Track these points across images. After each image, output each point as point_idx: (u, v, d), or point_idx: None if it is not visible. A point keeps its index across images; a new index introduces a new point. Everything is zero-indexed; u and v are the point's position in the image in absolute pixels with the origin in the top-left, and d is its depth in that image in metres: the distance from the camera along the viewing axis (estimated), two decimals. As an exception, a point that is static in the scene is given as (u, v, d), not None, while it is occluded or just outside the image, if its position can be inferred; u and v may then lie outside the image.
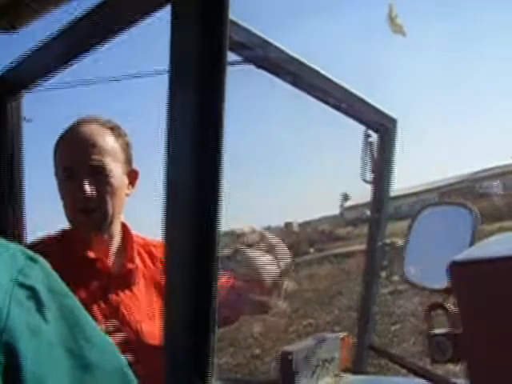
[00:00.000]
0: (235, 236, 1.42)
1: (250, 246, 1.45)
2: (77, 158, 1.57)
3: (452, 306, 0.86)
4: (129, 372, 0.61)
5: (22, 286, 0.57)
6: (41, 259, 0.62)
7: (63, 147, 1.61)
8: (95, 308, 1.50)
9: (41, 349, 0.54)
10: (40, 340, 0.54)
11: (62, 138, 1.63)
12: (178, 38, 1.15)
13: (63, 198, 1.61)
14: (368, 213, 2.00)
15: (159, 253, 1.71)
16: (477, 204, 1.16)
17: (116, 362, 0.61)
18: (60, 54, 1.48)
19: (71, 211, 1.59)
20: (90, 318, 0.64)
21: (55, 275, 0.63)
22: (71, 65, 1.50)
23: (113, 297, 1.55)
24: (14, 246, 0.62)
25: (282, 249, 1.50)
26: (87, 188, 1.54)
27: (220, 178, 1.16)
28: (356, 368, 1.74)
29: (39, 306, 0.57)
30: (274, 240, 1.49)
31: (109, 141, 1.61)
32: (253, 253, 1.45)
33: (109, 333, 1.35)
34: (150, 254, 1.73)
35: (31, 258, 0.61)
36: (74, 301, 0.62)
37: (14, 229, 1.79)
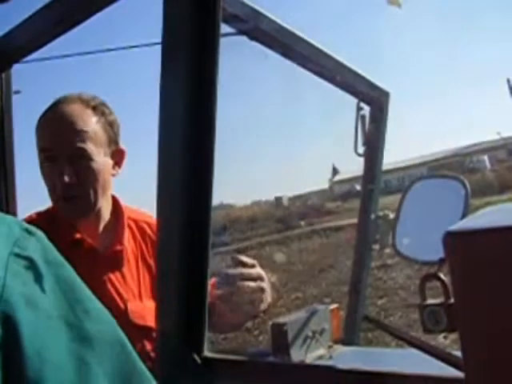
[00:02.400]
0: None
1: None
2: (56, 141, 1.54)
3: (446, 277, 0.86)
4: (127, 343, 0.61)
5: (18, 257, 0.57)
6: (38, 231, 0.62)
7: (43, 127, 1.58)
8: None
9: (39, 320, 0.54)
10: (38, 311, 0.54)
11: (43, 116, 1.59)
12: (172, 9, 1.14)
13: (44, 180, 1.59)
14: (357, 187, 2.01)
15: (152, 231, 1.69)
16: (465, 179, 1.16)
17: (114, 333, 0.61)
18: (50, 24, 1.47)
19: (53, 196, 1.57)
20: (88, 290, 0.63)
21: (52, 247, 0.62)
22: (61, 35, 1.49)
23: (100, 276, 1.55)
24: (10, 219, 0.62)
25: (268, 295, 1.43)
26: (66, 176, 1.50)
27: (213, 151, 1.16)
28: (348, 339, 1.76)
29: (36, 277, 0.57)
30: (266, 284, 1.43)
31: (90, 123, 1.56)
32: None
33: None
34: (143, 232, 1.71)
35: (28, 230, 0.61)
36: (71, 272, 0.62)
37: (5, 205, 1.78)
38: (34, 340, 0.52)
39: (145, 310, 1.51)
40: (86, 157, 1.53)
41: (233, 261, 1.38)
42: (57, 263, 0.61)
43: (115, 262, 1.60)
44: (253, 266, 1.41)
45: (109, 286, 1.55)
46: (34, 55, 1.62)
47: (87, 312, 0.59)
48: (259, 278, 1.41)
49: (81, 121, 1.54)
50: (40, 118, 1.59)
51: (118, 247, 1.62)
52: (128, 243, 1.65)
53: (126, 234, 1.66)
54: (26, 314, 0.53)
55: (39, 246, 0.60)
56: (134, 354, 0.61)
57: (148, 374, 0.62)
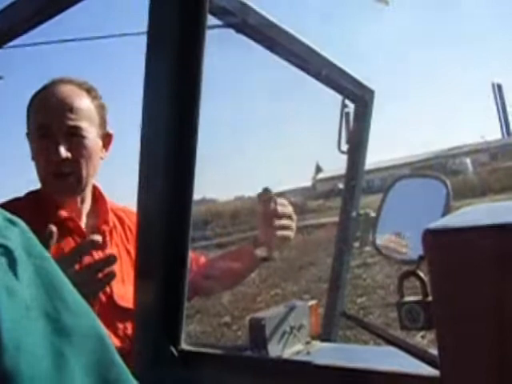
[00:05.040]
0: None
1: None
2: (53, 117, 1.55)
3: (424, 275, 0.87)
4: (106, 337, 0.60)
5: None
6: (21, 222, 0.62)
7: (38, 105, 1.59)
8: None
9: (17, 311, 0.53)
10: (17, 301, 0.54)
11: (37, 95, 1.61)
12: (158, -1, 1.14)
13: (35, 158, 1.60)
14: (340, 185, 2.02)
15: (128, 219, 1.73)
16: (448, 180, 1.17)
17: (93, 327, 0.60)
18: (33, 10, 1.45)
19: (44, 174, 1.58)
20: (69, 283, 0.63)
21: (35, 239, 0.62)
22: (45, 22, 1.48)
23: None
24: None
25: None
26: (62, 151, 1.52)
27: (195, 145, 1.16)
28: (327, 336, 1.76)
29: (16, 268, 0.56)
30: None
31: (85, 102, 1.60)
32: None
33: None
34: (121, 220, 1.73)
35: (10, 221, 0.60)
36: (52, 264, 0.61)
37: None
38: (12, 330, 0.52)
39: (128, 293, 1.51)
40: (80, 134, 1.56)
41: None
42: (38, 255, 0.60)
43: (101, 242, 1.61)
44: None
45: None
46: (17, 41, 1.60)
47: (67, 305, 0.58)
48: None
49: (77, 99, 1.58)
50: (34, 98, 1.61)
51: (104, 227, 1.65)
52: (111, 227, 1.68)
53: (110, 217, 1.69)
54: (6, 304, 0.52)
55: (21, 236, 0.59)
56: (112, 348, 0.61)
57: (125, 368, 0.61)
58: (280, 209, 1.56)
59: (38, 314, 0.55)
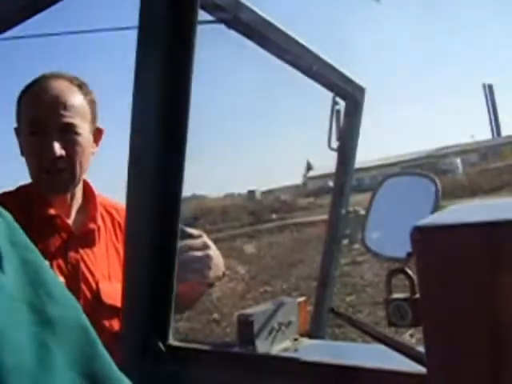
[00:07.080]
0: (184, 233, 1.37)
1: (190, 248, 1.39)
2: (46, 113, 1.54)
3: (412, 272, 0.87)
4: (90, 329, 0.60)
5: None
6: (7, 214, 0.61)
7: (30, 100, 1.58)
8: (54, 264, 1.49)
9: (1, 302, 0.53)
10: (1, 293, 0.53)
11: (28, 90, 1.60)
12: (149, -7, 1.13)
13: (27, 154, 1.59)
14: (331, 183, 2.01)
15: (120, 217, 1.72)
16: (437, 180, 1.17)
17: (78, 318, 0.60)
18: (22, 4, 1.44)
19: (37, 170, 1.57)
20: (54, 274, 0.62)
21: (19, 230, 0.61)
22: (34, 16, 1.47)
23: (72, 254, 1.55)
24: None
25: (217, 262, 1.43)
26: (57, 148, 1.52)
27: (185, 141, 1.16)
28: (315, 333, 1.76)
29: (1, 259, 0.56)
30: (214, 252, 1.42)
31: (78, 99, 1.59)
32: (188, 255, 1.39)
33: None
34: (111, 217, 1.73)
35: None
36: (37, 256, 0.61)
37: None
38: None
39: (114, 291, 1.51)
40: (74, 131, 1.55)
41: (181, 234, 1.36)
42: (23, 246, 0.60)
43: (88, 240, 1.62)
44: (199, 237, 1.42)
45: (81, 264, 1.56)
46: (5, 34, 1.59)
47: (51, 296, 0.58)
48: (205, 247, 1.41)
49: (70, 96, 1.57)
50: (24, 92, 1.60)
51: (92, 226, 1.64)
52: (100, 225, 1.67)
53: (99, 214, 1.68)
54: None
55: (6, 227, 0.59)
56: (97, 340, 0.60)
57: (110, 359, 0.61)
58: (189, 242, 1.39)
59: (23, 305, 0.55)
